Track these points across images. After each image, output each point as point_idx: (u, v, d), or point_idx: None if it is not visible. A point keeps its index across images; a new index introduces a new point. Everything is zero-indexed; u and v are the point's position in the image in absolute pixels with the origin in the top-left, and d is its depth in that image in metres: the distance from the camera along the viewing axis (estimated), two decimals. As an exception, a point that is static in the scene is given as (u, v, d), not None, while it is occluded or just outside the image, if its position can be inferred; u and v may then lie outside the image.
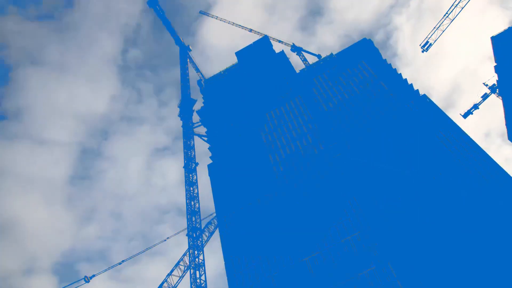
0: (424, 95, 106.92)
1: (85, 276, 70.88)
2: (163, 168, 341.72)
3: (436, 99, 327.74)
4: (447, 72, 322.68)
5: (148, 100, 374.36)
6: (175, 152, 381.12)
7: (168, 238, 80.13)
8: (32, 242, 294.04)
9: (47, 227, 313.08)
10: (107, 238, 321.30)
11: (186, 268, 75.01)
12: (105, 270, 73.46)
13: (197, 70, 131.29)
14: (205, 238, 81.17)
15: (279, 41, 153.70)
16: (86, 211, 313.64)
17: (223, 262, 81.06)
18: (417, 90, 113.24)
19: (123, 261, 76.53)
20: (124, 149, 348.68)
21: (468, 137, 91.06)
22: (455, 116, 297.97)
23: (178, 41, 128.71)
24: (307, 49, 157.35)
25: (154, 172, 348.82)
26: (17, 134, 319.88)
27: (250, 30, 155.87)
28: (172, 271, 72.16)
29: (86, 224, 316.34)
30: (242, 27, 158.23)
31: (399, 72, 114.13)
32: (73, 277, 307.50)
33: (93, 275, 70.82)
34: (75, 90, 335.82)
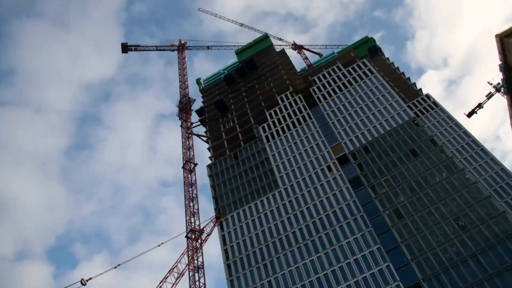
0: (428, 94, 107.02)
1: (82, 279, 70.47)
2: (168, 137, 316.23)
3: (452, 66, 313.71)
4: (465, 35, 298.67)
5: (154, 59, 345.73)
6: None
7: (162, 243, 79.56)
8: (25, 222, 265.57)
9: (40, 205, 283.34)
10: (105, 214, 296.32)
11: (184, 270, 74.94)
12: (102, 273, 72.98)
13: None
14: (204, 240, 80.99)
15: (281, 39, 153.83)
16: (83, 185, 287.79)
17: (223, 265, 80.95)
18: (420, 88, 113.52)
19: (119, 264, 75.98)
20: (126, 116, 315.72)
21: (473, 136, 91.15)
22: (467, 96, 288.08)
23: (173, 49, 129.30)
24: (308, 46, 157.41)
25: (158, 141, 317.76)
26: (8, 100, 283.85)
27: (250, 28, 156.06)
28: (165, 277, 71.82)
29: (82, 200, 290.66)
30: (241, 24, 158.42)
31: (402, 69, 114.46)
32: (68, 262, 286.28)
33: (90, 278, 70.51)
34: (75, 48, 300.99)
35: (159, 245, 79.82)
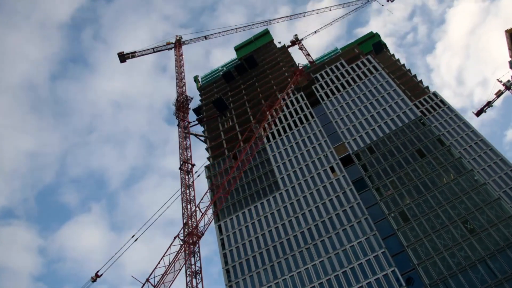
0: (435, 92, 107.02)
1: (91, 277, 70.62)
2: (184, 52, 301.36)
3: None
4: None
5: None
6: (199, 28, 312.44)
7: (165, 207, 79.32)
8: (5, 169, 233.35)
9: (26, 146, 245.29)
10: (103, 150, 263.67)
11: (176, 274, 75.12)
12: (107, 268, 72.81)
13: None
14: (203, 244, 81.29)
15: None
16: (76, 114, 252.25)
17: (222, 269, 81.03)
18: (427, 86, 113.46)
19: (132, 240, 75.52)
20: (133, 25, 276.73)
21: (482, 136, 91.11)
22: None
23: (170, 48, 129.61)
24: None
25: (169, 57, 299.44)
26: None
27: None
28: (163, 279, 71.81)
29: (75, 133, 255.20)
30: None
31: (408, 66, 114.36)
32: (59, 216, 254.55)
33: (100, 273, 70.56)
34: None
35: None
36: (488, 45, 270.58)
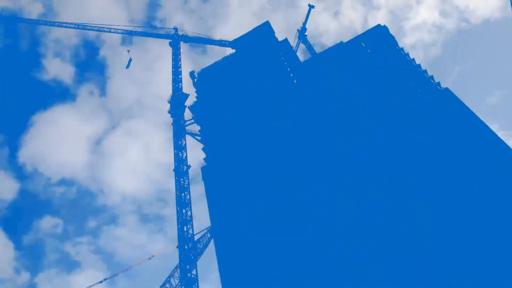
0: (446, 88, 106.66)
1: None
2: None
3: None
4: None
5: None
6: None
7: (153, 256, 79.31)
8: None
9: None
10: None
11: (176, 285, 74.94)
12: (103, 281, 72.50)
13: None
14: (199, 251, 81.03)
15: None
16: None
17: (219, 278, 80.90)
18: (438, 82, 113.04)
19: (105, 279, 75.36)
20: None
21: (496, 136, 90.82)
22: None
23: (169, 36, 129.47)
24: None
25: None
26: None
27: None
28: None
29: None
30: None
31: (418, 62, 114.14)
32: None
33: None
34: None
35: (150, 258, 79.63)
36: None
